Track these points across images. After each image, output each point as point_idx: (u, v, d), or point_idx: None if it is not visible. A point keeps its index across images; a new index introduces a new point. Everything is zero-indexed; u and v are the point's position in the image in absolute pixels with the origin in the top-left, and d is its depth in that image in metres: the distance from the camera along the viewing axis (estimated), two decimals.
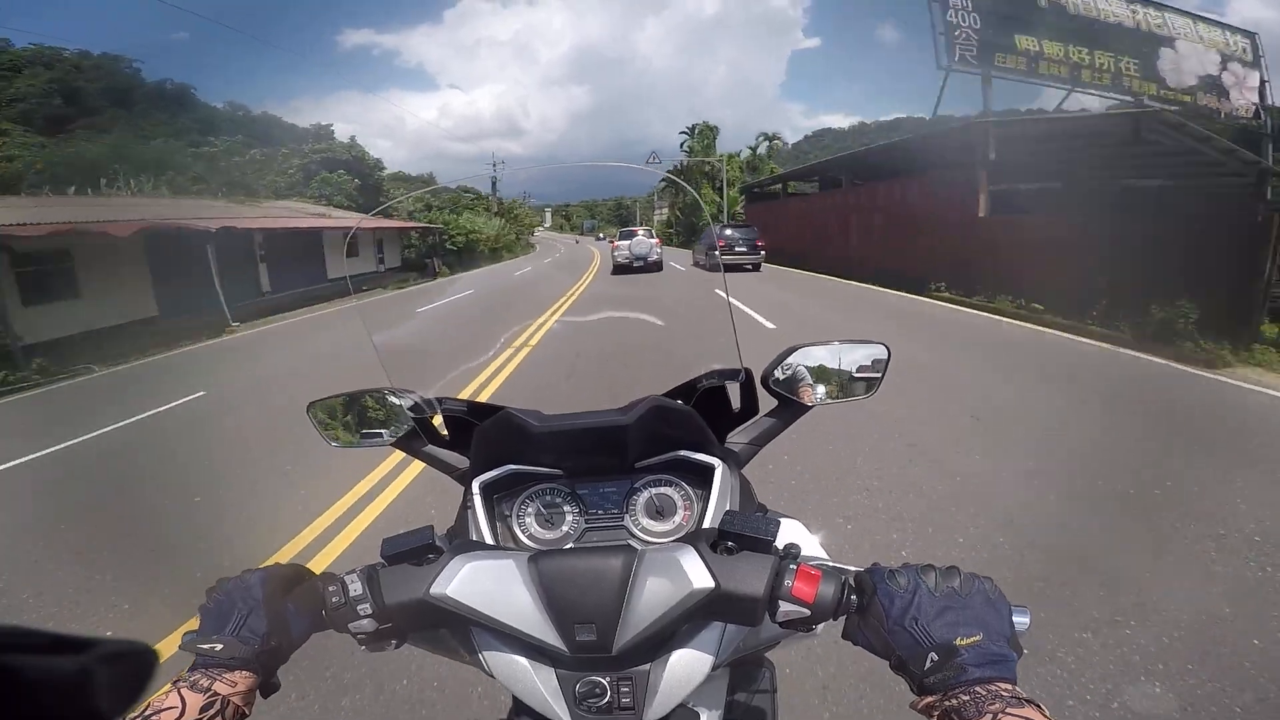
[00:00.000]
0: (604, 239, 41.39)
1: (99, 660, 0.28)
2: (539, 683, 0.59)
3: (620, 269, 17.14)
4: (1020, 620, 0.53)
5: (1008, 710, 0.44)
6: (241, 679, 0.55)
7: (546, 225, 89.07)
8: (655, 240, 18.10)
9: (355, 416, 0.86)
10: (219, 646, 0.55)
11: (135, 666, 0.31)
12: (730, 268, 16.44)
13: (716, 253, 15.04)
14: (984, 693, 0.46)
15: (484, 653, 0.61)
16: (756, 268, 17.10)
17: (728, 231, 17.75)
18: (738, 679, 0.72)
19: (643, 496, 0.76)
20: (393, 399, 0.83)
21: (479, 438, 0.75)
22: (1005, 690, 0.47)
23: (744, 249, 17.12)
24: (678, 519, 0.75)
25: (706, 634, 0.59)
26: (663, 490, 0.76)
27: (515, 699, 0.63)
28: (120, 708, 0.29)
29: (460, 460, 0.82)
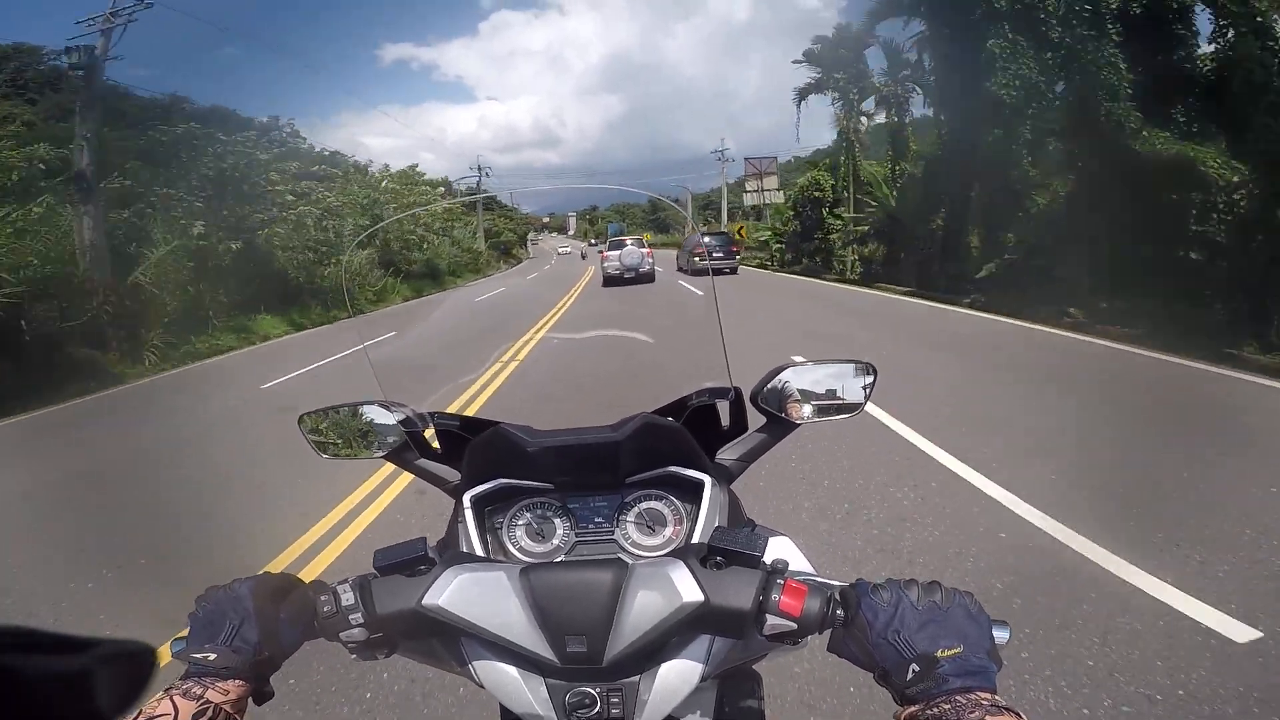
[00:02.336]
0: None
1: (99, 660, 0.28)
2: (528, 693, 0.59)
3: (611, 280, 17.22)
4: (1000, 634, 0.54)
5: (987, 717, 0.46)
6: (234, 687, 0.55)
7: (570, 232, 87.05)
8: (646, 250, 18.14)
9: (347, 429, 0.86)
10: (212, 656, 0.55)
11: (134, 667, 0.32)
12: (713, 271, 18.19)
13: (696, 258, 17.82)
14: (964, 701, 0.47)
15: (474, 663, 0.61)
16: (733, 271, 19.46)
17: (706, 239, 19.53)
18: (726, 691, 0.73)
19: (633, 511, 0.77)
20: (385, 412, 0.84)
21: (471, 453, 0.75)
22: (985, 699, 0.48)
23: (720, 254, 18.86)
24: (667, 533, 0.76)
25: (695, 646, 0.60)
26: (653, 505, 0.77)
27: (503, 709, 0.64)
28: (119, 708, 0.29)
29: (451, 474, 0.83)
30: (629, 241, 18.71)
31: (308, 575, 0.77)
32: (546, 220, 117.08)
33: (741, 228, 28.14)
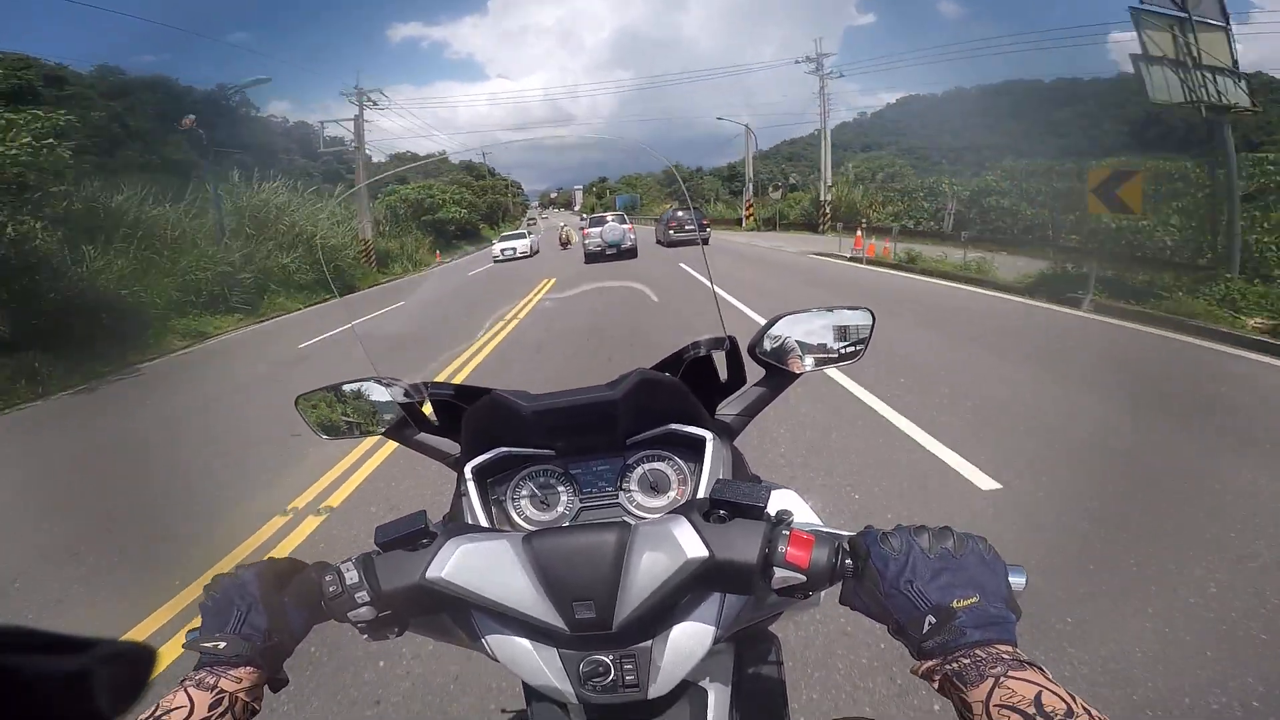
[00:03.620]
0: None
1: (99, 660, 0.28)
2: (543, 664, 0.59)
3: (592, 257, 17.20)
4: (1016, 580, 0.53)
5: (1010, 674, 0.44)
6: (247, 675, 0.55)
7: (577, 207, 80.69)
8: (628, 226, 18.15)
9: (344, 407, 0.85)
10: (222, 644, 0.55)
11: (135, 667, 0.31)
12: (686, 241, 19.93)
13: (671, 231, 20.61)
14: (984, 655, 0.46)
15: (486, 636, 0.61)
16: (705, 241, 21.77)
17: (679, 213, 22.30)
18: (743, 653, 0.73)
19: (636, 473, 0.76)
20: (380, 388, 0.83)
21: (468, 421, 0.75)
22: (1006, 653, 0.46)
23: (691, 228, 21.22)
24: (672, 494, 0.76)
25: (705, 607, 0.59)
26: (656, 465, 0.76)
27: (525, 684, 0.64)
28: (120, 708, 0.29)
29: (452, 446, 0.82)
30: (610, 218, 18.87)
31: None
32: (554, 196, 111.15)
33: (750, 204, 31.67)
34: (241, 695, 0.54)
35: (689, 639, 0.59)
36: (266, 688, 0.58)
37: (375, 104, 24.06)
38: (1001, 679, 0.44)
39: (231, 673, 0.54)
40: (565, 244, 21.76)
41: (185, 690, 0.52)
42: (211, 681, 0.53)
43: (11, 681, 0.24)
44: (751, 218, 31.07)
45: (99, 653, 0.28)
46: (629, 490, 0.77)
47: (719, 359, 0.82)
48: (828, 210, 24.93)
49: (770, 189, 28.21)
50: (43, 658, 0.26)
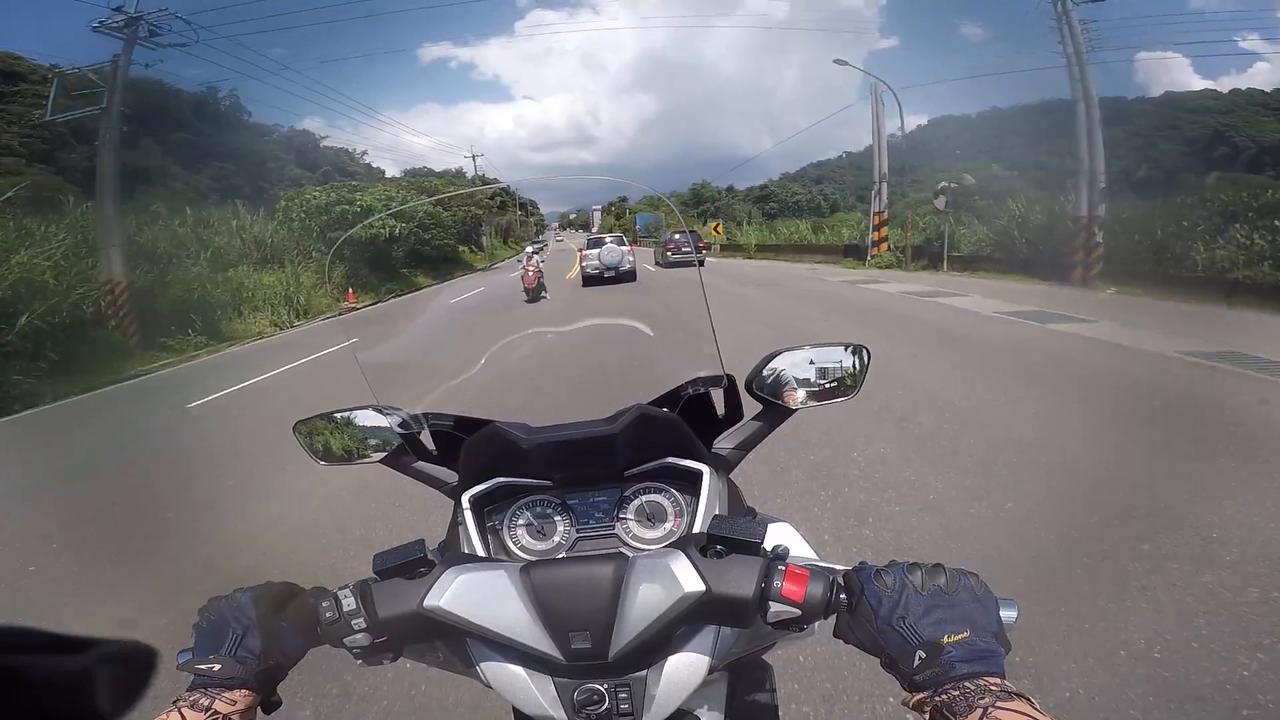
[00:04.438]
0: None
1: (99, 660, 0.28)
2: (537, 692, 0.59)
3: (590, 280, 16.59)
4: (1007, 615, 0.54)
5: (997, 704, 0.45)
6: (241, 697, 0.55)
7: (595, 229, 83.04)
8: (627, 248, 17.74)
9: (342, 434, 0.85)
10: (217, 666, 0.55)
11: (135, 667, 0.32)
12: (682, 263, 19.24)
13: (668, 253, 20.80)
14: (973, 688, 0.47)
15: (481, 664, 0.61)
16: (701, 263, 22.07)
17: (676, 236, 22.57)
18: (737, 682, 0.73)
19: (633, 504, 0.77)
20: (379, 416, 0.83)
21: (467, 452, 0.75)
22: (994, 685, 0.47)
23: (687, 250, 20.26)
24: (668, 525, 0.76)
25: (701, 638, 0.60)
26: (653, 498, 0.77)
27: (515, 710, 0.64)
28: (120, 708, 0.29)
29: (449, 475, 0.82)
30: (609, 239, 18.44)
31: None
32: (573, 217, 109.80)
33: (717, 225, 29.65)
34: (235, 717, 0.54)
35: (684, 669, 0.60)
36: (260, 710, 0.58)
37: (152, 35, 12.48)
38: (990, 709, 0.45)
39: (225, 695, 0.55)
40: (533, 289, 9.96)
41: (179, 710, 0.52)
42: (205, 703, 0.53)
43: (12, 681, 0.24)
44: (884, 246, 18.46)
45: (99, 653, 0.29)
46: (626, 521, 0.77)
47: (716, 395, 0.83)
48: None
49: (937, 193, 15.58)
50: (43, 658, 0.26)
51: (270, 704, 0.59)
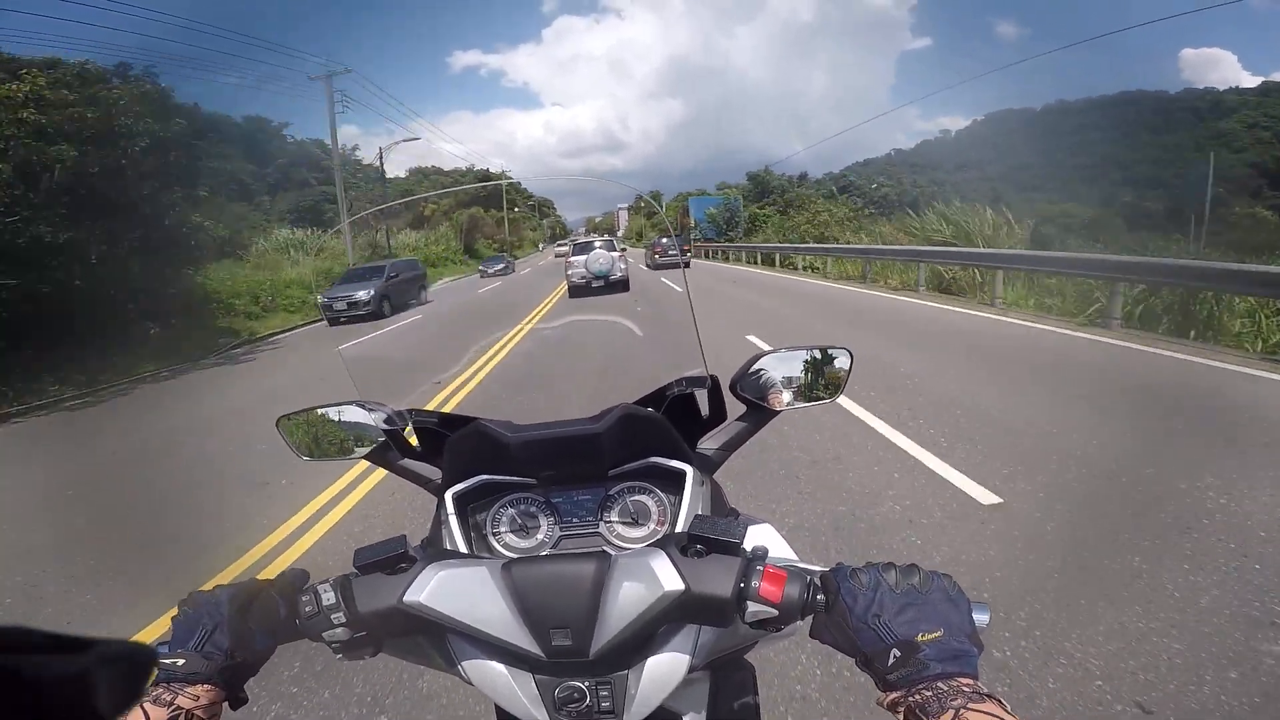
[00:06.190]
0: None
1: (98, 661, 0.28)
2: (517, 689, 0.60)
3: (577, 290, 14.48)
4: (980, 617, 0.54)
5: (969, 705, 0.45)
6: (204, 692, 0.55)
7: (621, 231, 73.09)
8: (618, 254, 15.84)
9: (326, 430, 0.85)
10: (180, 661, 0.55)
11: (134, 667, 0.31)
12: (669, 265, 20.00)
13: (656, 255, 22.02)
14: (946, 688, 0.47)
15: (462, 661, 0.61)
16: (687, 265, 23.74)
17: (663, 241, 24.37)
18: (719, 682, 0.73)
19: (617, 504, 0.77)
20: (364, 412, 0.83)
21: (450, 450, 0.75)
22: (967, 685, 0.47)
23: (674, 253, 22.21)
24: (652, 524, 0.76)
25: (681, 637, 0.60)
26: (636, 497, 0.77)
27: (497, 708, 0.64)
28: (119, 709, 0.29)
29: (433, 472, 0.82)
30: (598, 244, 16.76)
31: None
32: (599, 220, 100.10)
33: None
34: (198, 713, 0.54)
35: (665, 668, 0.60)
36: (226, 705, 0.58)
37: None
38: (961, 710, 0.45)
39: (189, 690, 0.54)
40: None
41: (141, 706, 0.51)
42: (168, 698, 0.53)
43: (11, 681, 0.24)
44: None
45: (99, 653, 0.28)
46: (609, 520, 0.77)
47: (701, 396, 0.83)
48: None
49: None
50: (43, 658, 0.26)
51: (237, 700, 0.59)
